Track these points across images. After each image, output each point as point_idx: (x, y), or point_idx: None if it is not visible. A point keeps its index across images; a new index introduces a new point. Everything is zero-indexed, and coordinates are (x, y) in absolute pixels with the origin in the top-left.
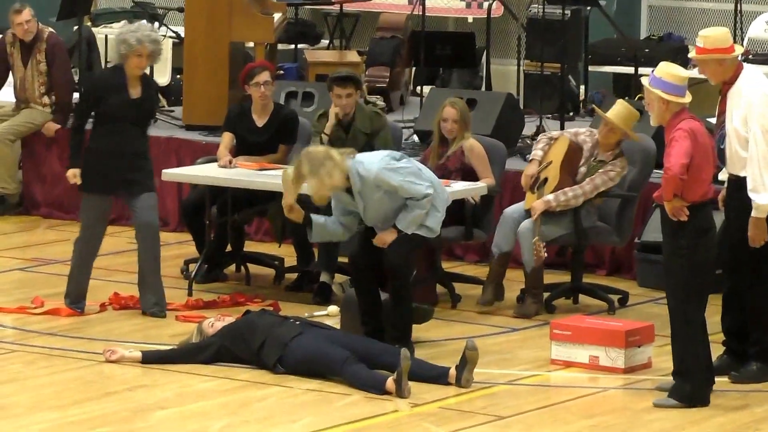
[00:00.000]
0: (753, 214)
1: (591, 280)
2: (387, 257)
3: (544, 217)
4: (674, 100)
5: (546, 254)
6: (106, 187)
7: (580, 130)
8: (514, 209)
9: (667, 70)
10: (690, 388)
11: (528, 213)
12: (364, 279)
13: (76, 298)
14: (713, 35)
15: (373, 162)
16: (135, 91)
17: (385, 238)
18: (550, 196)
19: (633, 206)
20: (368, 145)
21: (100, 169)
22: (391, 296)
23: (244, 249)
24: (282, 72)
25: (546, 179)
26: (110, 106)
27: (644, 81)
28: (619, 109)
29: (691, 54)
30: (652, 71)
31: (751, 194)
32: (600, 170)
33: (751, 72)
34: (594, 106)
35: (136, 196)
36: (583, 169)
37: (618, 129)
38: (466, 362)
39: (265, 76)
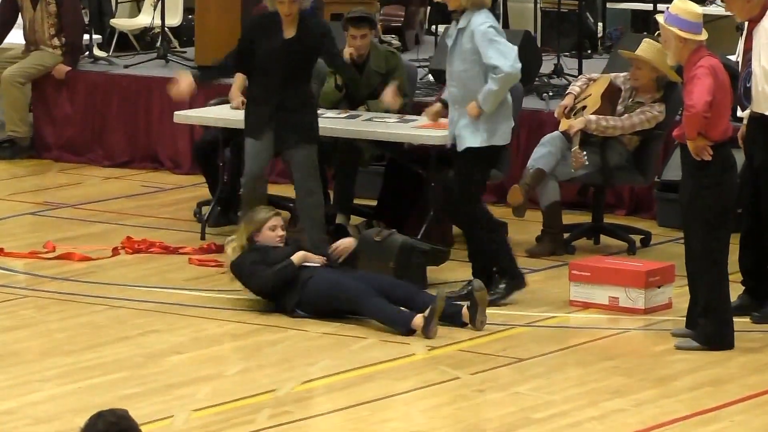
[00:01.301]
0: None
1: (611, 220)
2: (455, 216)
3: (567, 157)
4: (691, 37)
5: (587, 161)
6: (260, 132)
7: (620, 75)
8: (553, 134)
9: (683, 6)
10: (714, 329)
11: (563, 135)
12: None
13: None
14: None
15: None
16: (288, 33)
17: (468, 111)
18: (591, 117)
19: (659, 145)
20: (382, 84)
21: (256, 116)
22: (469, 249)
23: None
24: None
25: (584, 107)
26: (262, 47)
27: (659, 18)
28: (645, 47)
29: None
30: (667, 8)
31: None
32: (638, 110)
33: None
34: (620, 51)
35: (293, 147)
36: (620, 108)
37: (646, 64)
38: (477, 304)
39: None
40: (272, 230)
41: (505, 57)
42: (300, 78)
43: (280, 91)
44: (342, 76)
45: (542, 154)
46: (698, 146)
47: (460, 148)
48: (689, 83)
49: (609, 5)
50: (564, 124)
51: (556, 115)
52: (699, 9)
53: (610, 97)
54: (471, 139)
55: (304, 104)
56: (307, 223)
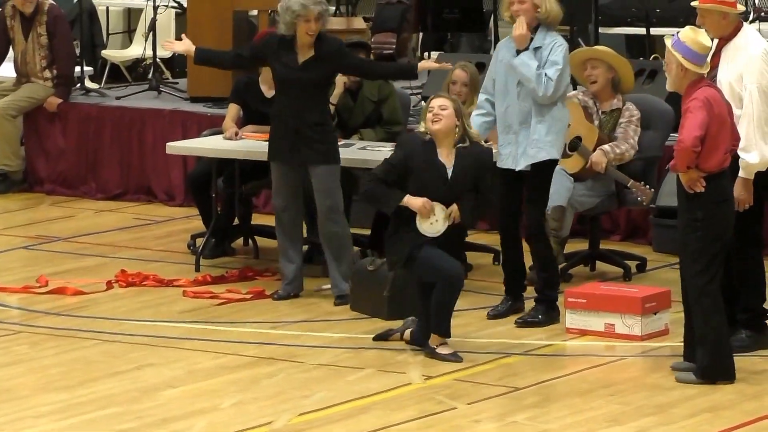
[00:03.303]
0: (741, 174)
1: (606, 246)
2: (530, 225)
3: (578, 187)
4: (692, 68)
5: (652, 190)
6: (284, 155)
7: (570, 94)
8: (558, 167)
9: (692, 36)
10: (710, 361)
11: (575, 178)
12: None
13: (291, 281)
14: None
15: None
16: (302, 56)
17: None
18: (606, 147)
19: (655, 167)
20: (376, 112)
21: (277, 137)
22: (535, 261)
23: (252, 222)
24: None
25: (577, 139)
26: (276, 72)
27: (667, 42)
28: (599, 47)
29: (695, 3)
30: (677, 32)
31: (740, 153)
32: (621, 122)
33: (751, 31)
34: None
35: (311, 168)
36: (590, 124)
37: (602, 63)
38: None
39: None
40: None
41: (561, 81)
42: (316, 99)
43: (300, 112)
44: (372, 76)
45: (554, 191)
46: (690, 178)
47: (536, 160)
48: (683, 116)
49: (602, 30)
50: (569, 165)
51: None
52: (708, 42)
53: (589, 118)
54: (549, 151)
55: (323, 123)
56: (333, 251)
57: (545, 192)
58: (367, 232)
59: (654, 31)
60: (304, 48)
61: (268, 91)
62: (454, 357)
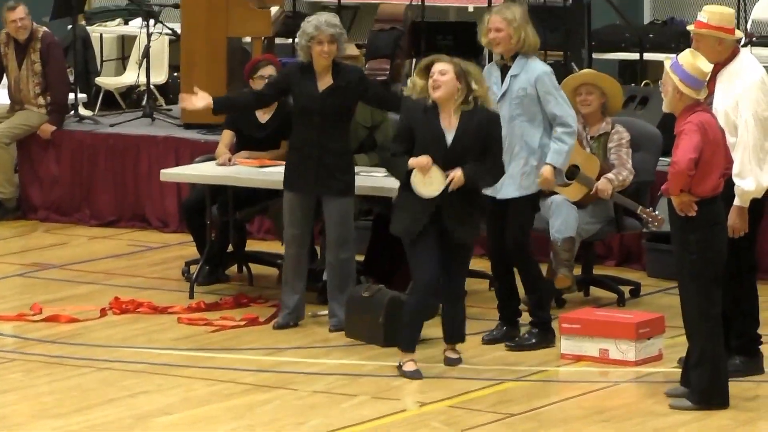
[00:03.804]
0: (736, 202)
1: (600, 271)
2: (510, 252)
3: (582, 215)
4: (688, 92)
5: (662, 216)
6: (302, 185)
7: None
8: (558, 200)
9: (691, 60)
10: (707, 383)
11: (577, 205)
12: (500, 267)
13: (293, 311)
14: (719, 12)
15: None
16: (323, 84)
17: (548, 178)
18: (610, 175)
19: (647, 192)
20: (369, 138)
21: (296, 167)
22: (524, 283)
23: (246, 248)
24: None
25: (574, 167)
26: (297, 100)
27: (666, 64)
28: (591, 72)
29: (690, 27)
30: (677, 55)
31: (735, 179)
32: (610, 146)
33: (747, 57)
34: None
35: (325, 198)
36: (587, 152)
37: (597, 89)
38: None
39: (269, 70)
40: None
41: (568, 106)
42: (337, 128)
43: (318, 142)
44: (395, 108)
45: (562, 221)
46: (683, 202)
47: (515, 194)
48: (677, 138)
49: (595, 55)
50: (569, 193)
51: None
52: (707, 68)
53: (581, 144)
54: (527, 187)
55: (342, 154)
56: (338, 279)
57: (529, 217)
58: (361, 257)
59: (647, 56)
60: (323, 74)
61: (262, 116)
62: (412, 375)
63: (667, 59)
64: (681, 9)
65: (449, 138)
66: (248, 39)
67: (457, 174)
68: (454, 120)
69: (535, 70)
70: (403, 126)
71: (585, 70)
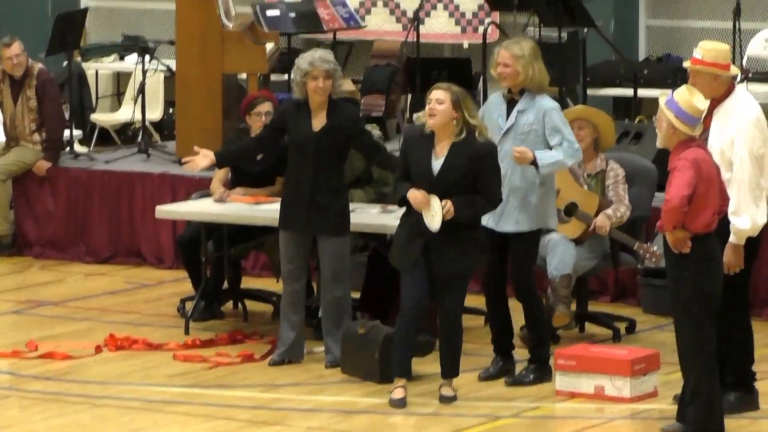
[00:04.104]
0: (731, 239)
1: (595, 307)
2: (515, 286)
3: (579, 251)
4: (682, 128)
5: (660, 252)
6: (296, 224)
7: None
8: (555, 238)
9: (686, 97)
10: (701, 416)
11: (575, 241)
12: (495, 299)
13: (289, 348)
14: (714, 48)
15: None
16: (318, 122)
17: (523, 154)
18: (609, 212)
19: (643, 227)
20: (365, 172)
21: (290, 205)
22: (527, 320)
23: (241, 285)
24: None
25: (572, 204)
26: (292, 138)
27: (661, 100)
28: (583, 107)
29: (686, 63)
30: (672, 91)
31: (731, 217)
32: (608, 183)
33: (743, 93)
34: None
35: (320, 237)
36: (585, 187)
37: (588, 123)
38: None
39: (266, 106)
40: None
41: (575, 139)
42: (332, 166)
43: (312, 181)
44: (378, 165)
45: (560, 259)
46: (677, 238)
47: (513, 229)
48: (671, 175)
49: (590, 91)
50: (568, 231)
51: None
52: (702, 105)
53: (577, 182)
54: (539, 221)
55: (336, 193)
56: (333, 316)
57: (533, 254)
58: (357, 294)
59: (641, 92)
60: (318, 111)
61: None
62: (396, 402)
63: (662, 95)
64: (677, 45)
65: (436, 167)
66: (244, 75)
67: (449, 204)
68: (445, 149)
69: (544, 105)
70: (401, 152)
71: (577, 106)
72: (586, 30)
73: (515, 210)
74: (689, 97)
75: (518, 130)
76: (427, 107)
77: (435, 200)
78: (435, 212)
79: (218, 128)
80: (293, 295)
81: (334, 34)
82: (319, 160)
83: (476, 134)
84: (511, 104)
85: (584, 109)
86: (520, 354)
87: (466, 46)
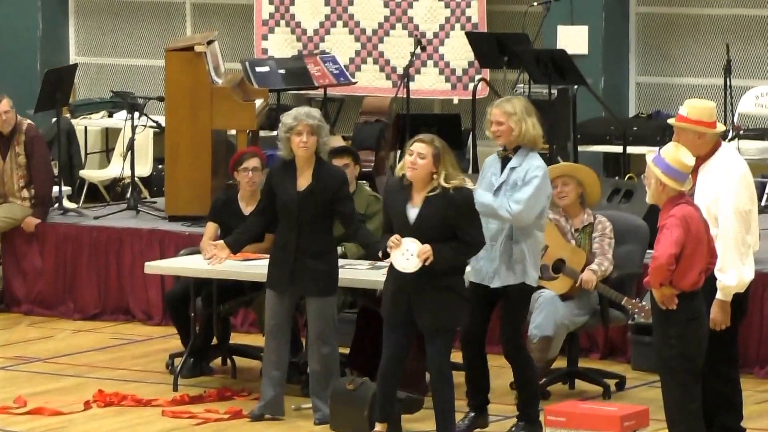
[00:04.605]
0: (718, 296)
1: (585, 364)
2: (504, 345)
3: (571, 306)
4: (671, 185)
5: (648, 307)
6: (282, 285)
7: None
8: (546, 296)
9: (673, 153)
10: None
11: (562, 298)
12: (475, 353)
13: (269, 403)
14: (699, 106)
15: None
16: (303, 181)
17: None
18: (594, 267)
19: (634, 284)
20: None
21: (277, 265)
22: (516, 379)
23: (230, 341)
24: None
25: (560, 261)
26: (279, 198)
27: (648, 157)
28: (566, 165)
29: (671, 120)
30: (659, 149)
31: (717, 274)
32: (594, 236)
33: (729, 150)
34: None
35: (308, 298)
36: (573, 243)
37: (572, 179)
38: None
39: (254, 162)
40: None
41: (533, 202)
42: (318, 227)
43: (298, 241)
44: (348, 237)
45: (544, 318)
46: (664, 295)
47: (498, 284)
48: (659, 232)
49: (580, 148)
50: (556, 287)
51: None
52: (689, 161)
53: (565, 238)
54: (525, 276)
55: (322, 253)
56: (320, 374)
57: (522, 313)
58: (346, 350)
59: (631, 149)
60: (304, 169)
61: (245, 208)
62: None
63: (649, 152)
64: (667, 102)
65: (413, 215)
66: (233, 131)
67: (427, 248)
68: (422, 198)
69: (532, 164)
70: (383, 204)
71: (561, 163)
72: (576, 87)
73: (502, 266)
74: (676, 154)
75: (508, 186)
76: (407, 158)
77: (411, 243)
78: (410, 254)
79: (207, 184)
80: (274, 352)
81: (325, 90)
82: (304, 221)
83: (451, 188)
84: (505, 161)
85: (568, 166)
86: (505, 411)
87: (456, 102)
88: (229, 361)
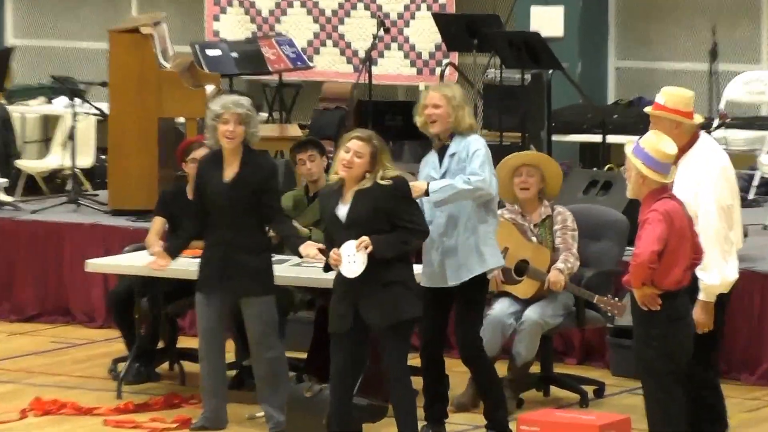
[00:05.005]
0: (700, 296)
1: (561, 369)
2: (461, 350)
3: (545, 306)
4: (653, 177)
5: (623, 303)
6: (211, 286)
7: (505, 212)
8: (501, 309)
9: (654, 143)
10: None
11: (525, 302)
12: (431, 361)
13: (210, 415)
14: (676, 94)
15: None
16: (229, 172)
17: (417, 187)
18: (560, 265)
19: (611, 282)
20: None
21: (207, 265)
22: (477, 384)
23: (178, 344)
24: None
25: (523, 262)
26: (206, 191)
27: (627, 148)
28: (532, 153)
29: (648, 109)
30: (639, 138)
31: (699, 273)
32: (556, 229)
33: (708, 141)
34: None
35: (243, 299)
36: (534, 240)
37: (537, 171)
38: None
39: (202, 152)
40: None
41: (489, 173)
42: (250, 221)
43: (229, 239)
44: (274, 230)
45: (525, 346)
46: (645, 295)
47: (466, 277)
48: (640, 228)
49: (555, 137)
50: (520, 291)
51: (494, 289)
52: (671, 151)
53: (525, 236)
54: (482, 264)
55: (256, 250)
56: (268, 380)
57: (479, 310)
58: (303, 355)
59: (610, 138)
60: (231, 160)
61: None
62: None
63: (628, 143)
64: (649, 89)
65: (343, 214)
66: (182, 119)
67: (365, 239)
68: (351, 195)
69: (471, 142)
70: (320, 215)
71: (526, 151)
72: (551, 72)
73: (454, 261)
74: (657, 143)
75: (451, 173)
76: (342, 154)
77: (348, 246)
78: (353, 256)
79: (153, 176)
80: (207, 361)
81: (280, 76)
82: (233, 215)
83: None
84: (442, 152)
85: (535, 154)
86: (474, 420)
87: (422, 88)
88: (177, 366)
